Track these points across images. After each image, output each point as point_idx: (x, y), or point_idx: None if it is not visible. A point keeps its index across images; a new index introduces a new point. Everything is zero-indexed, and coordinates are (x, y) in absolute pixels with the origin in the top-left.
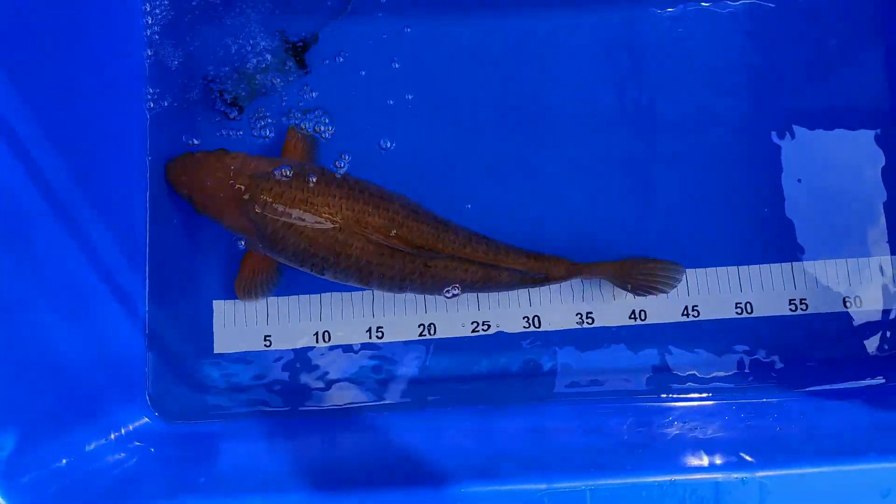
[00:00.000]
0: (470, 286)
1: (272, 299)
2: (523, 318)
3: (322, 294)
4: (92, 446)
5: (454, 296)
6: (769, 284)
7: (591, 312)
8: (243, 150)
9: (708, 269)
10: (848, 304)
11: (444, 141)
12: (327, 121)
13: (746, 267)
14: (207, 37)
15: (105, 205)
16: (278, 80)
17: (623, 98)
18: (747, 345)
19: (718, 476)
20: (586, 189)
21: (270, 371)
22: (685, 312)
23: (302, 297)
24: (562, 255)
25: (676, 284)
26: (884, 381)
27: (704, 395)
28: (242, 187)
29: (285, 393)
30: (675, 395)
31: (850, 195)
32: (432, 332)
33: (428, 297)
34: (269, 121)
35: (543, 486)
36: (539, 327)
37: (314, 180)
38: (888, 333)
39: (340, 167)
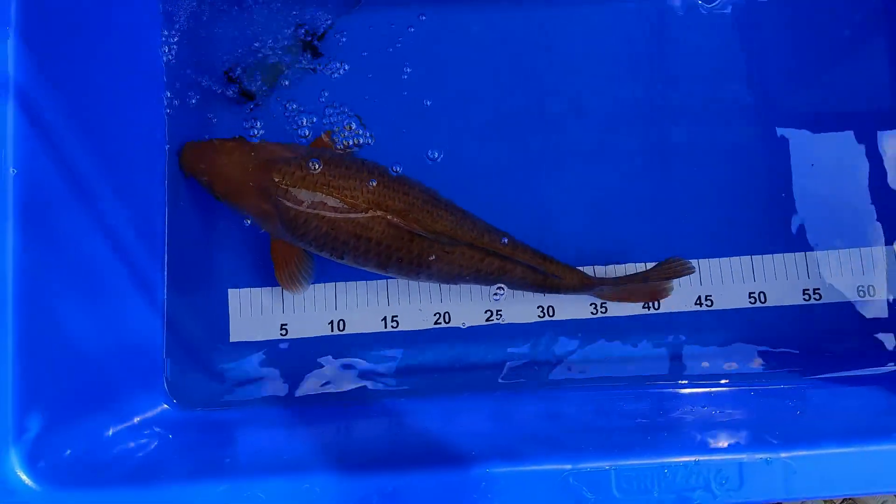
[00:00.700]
0: (484, 277)
1: None
2: (537, 307)
3: (337, 283)
4: (111, 432)
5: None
6: (783, 274)
7: (604, 302)
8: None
9: (721, 259)
10: (861, 294)
11: (452, 133)
12: (347, 115)
13: (760, 257)
14: (225, 28)
15: (125, 195)
16: (293, 70)
17: (636, 90)
18: (761, 334)
19: (743, 457)
20: (599, 180)
21: (287, 359)
22: (698, 302)
23: (317, 286)
24: (574, 245)
25: (686, 272)
26: None
27: (722, 381)
28: (263, 172)
29: (301, 380)
30: (690, 382)
31: (863, 185)
32: (447, 320)
33: (443, 286)
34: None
35: (569, 467)
36: (553, 316)
37: (325, 163)
38: None
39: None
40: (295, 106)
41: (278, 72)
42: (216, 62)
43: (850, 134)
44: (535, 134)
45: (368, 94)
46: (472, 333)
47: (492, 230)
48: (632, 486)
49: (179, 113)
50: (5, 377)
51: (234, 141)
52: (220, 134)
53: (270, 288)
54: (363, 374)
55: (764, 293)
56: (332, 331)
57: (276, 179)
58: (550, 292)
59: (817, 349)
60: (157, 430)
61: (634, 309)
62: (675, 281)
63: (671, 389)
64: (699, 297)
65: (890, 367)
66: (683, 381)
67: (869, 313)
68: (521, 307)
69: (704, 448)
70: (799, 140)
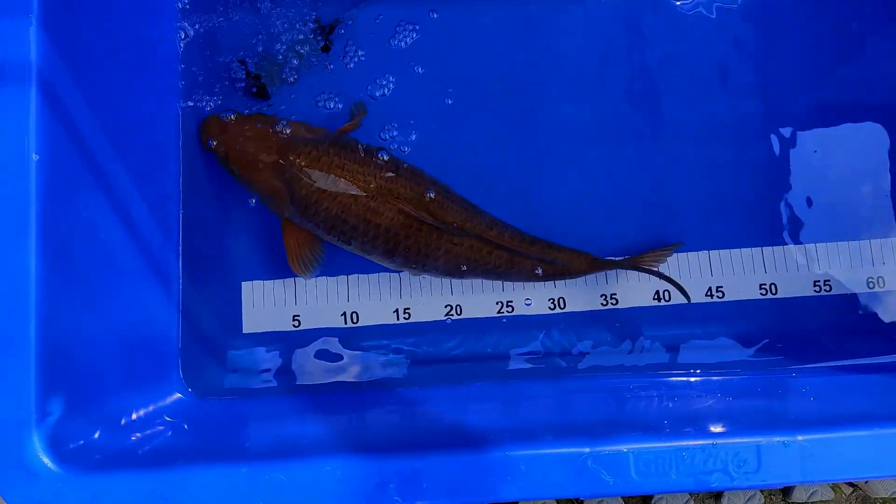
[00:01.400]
0: (494, 270)
1: (300, 280)
2: (549, 299)
3: (349, 276)
4: (128, 419)
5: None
6: (794, 266)
7: (615, 294)
8: None
9: (733, 251)
10: (871, 286)
11: (463, 126)
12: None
13: (771, 248)
14: (241, 20)
15: (142, 188)
16: (303, 64)
17: (646, 82)
18: (773, 325)
19: (760, 440)
20: (607, 173)
21: (299, 350)
22: (709, 293)
23: (330, 278)
24: (584, 244)
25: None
26: None
27: (735, 370)
28: (279, 149)
29: (314, 371)
30: (704, 371)
31: (873, 176)
32: (458, 312)
33: (454, 279)
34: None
35: (587, 450)
36: (564, 308)
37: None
38: None
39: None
40: (303, 99)
41: (290, 66)
42: (232, 54)
43: (860, 125)
44: (544, 127)
45: (373, 89)
46: (484, 325)
47: (500, 224)
48: (650, 469)
49: (195, 105)
50: (27, 363)
51: (251, 116)
52: None
53: (283, 280)
54: (376, 365)
55: (775, 284)
56: (345, 323)
57: (292, 158)
58: (564, 279)
59: (829, 338)
60: (173, 418)
61: (645, 300)
62: (687, 273)
63: (683, 378)
64: (710, 289)
65: None
66: (696, 371)
67: (879, 303)
68: (532, 299)
69: (721, 432)
70: (809, 132)
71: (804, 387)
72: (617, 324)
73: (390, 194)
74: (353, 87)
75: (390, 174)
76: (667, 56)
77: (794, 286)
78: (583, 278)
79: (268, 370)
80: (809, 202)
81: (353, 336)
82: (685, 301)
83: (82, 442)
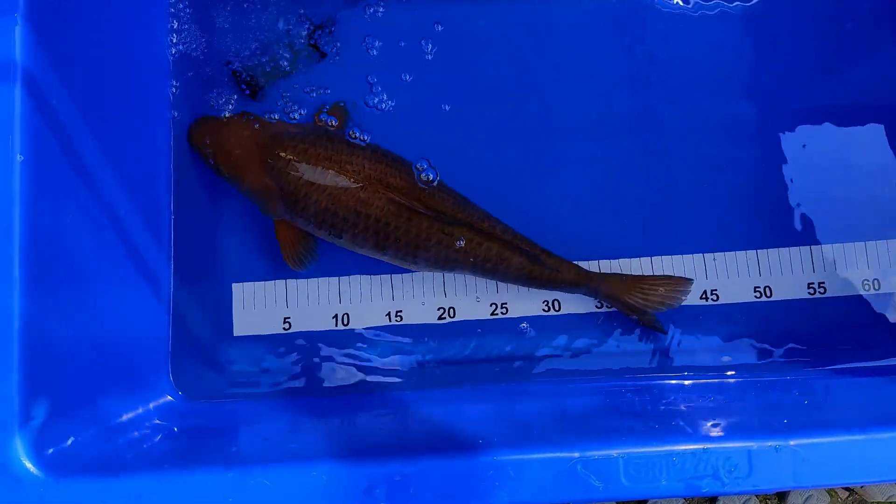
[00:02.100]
0: (482, 264)
1: (291, 282)
2: (543, 301)
3: (341, 277)
4: (116, 422)
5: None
6: (788, 268)
7: None
8: None
9: (727, 254)
10: (866, 288)
11: (459, 127)
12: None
13: (766, 251)
14: (231, 21)
15: (131, 189)
16: (295, 64)
17: (641, 86)
18: (767, 327)
19: (752, 444)
20: (603, 174)
21: (290, 352)
22: (704, 296)
23: (321, 280)
24: (578, 239)
25: (683, 298)
26: None
27: (728, 373)
28: (266, 146)
29: (305, 374)
30: (697, 374)
31: (867, 179)
32: (452, 314)
33: (447, 280)
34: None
35: (577, 455)
36: (559, 311)
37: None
38: None
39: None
40: (296, 100)
41: (281, 68)
42: (221, 55)
43: (856, 128)
44: (539, 128)
45: (368, 89)
46: (477, 327)
47: (491, 217)
48: (640, 474)
49: (184, 105)
50: (10, 366)
51: (237, 115)
52: None
53: (274, 282)
54: (367, 368)
55: (770, 287)
56: (337, 325)
57: (279, 153)
58: (549, 287)
59: (823, 342)
60: (162, 421)
61: None
62: (682, 274)
63: (677, 381)
64: (705, 292)
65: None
66: (689, 374)
67: (873, 306)
68: (526, 301)
69: (712, 436)
70: (804, 134)
71: (797, 389)
72: (611, 326)
73: (380, 184)
74: (345, 90)
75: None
76: (665, 62)
77: (788, 289)
78: None
79: (258, 373)
80: (804, 205)
81: (345, 338)
82: (661, 332)
83: (67, 446)
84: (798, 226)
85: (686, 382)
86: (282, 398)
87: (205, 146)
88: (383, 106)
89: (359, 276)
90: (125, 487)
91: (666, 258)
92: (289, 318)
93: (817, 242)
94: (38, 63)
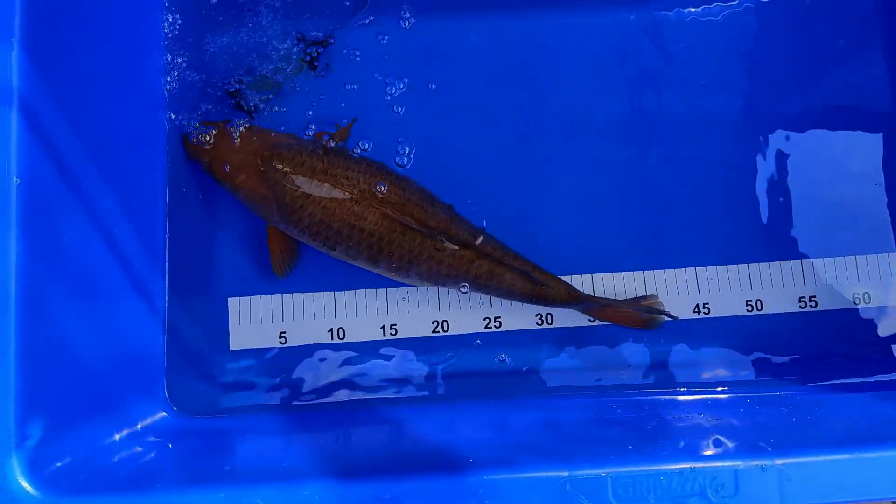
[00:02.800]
0: (473, 280)
1: (287, 296)
2: (536, 315)
3: (336, 292)
4: (112, 439)
5: (466, 292)
6: (779, 282)
7: None
8: None
9: (719, 267)
10: (857, 301)
11: (453, 141)
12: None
13: (757, 265)
14: (226, 39)
15: (127, 205)
16: (292, 80)
17: (631, 100)
18: (758, 341)
19: (739, 464)
20: (594, 187)
21: (286, 367)
22: (696, 310)
23: (317, 294)
24: (569, 252)
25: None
26: None
27: (718, 388)
28: (264, 155)
29: (301, 389)
30: (688, 390)
31: (858, 193)
32: (445, 328)
33: (441, 294)
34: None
35: (565, 474)
36: (551, 324)
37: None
38: None
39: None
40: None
41: (276, 84)
42: (217, 72)
43: (847, 142)
44: (530, 141)
45: (364, 104)
46: (470, 341)
47: (483, 233)
48: (628, 494)
49: (180, 122)
50: (7, 384)
51: (238, 126)
52: None
53: (270, 296)
54: (362, 382)
55: (761, 301)
56: (332, 339)
57: (276, 163)
58: (539, 303)
59: (813, 356)
60: (158, 437)
61: None
62: (674, 289)
63: (668, 397)
64: (697, 305)
65: (890, 376)
66: (681, 389)
67: (864, 319)
68: (519, 315)
69: (700, 455)
70: (794, 147)
71: (786, 406)
72: (602, 341)
73: (374, 198)
74: (341, 103)
75: (379, 182)
76: (655, 75)
77: (780, 302)
78: None
79: (254, 387)
80: (795, 219)
81: (340, 352)
82: (670, 318)
83: (64, 464)
84: (789, 239)
85: (678, 398)
86: (277, 413)
87: (203, 155)
88: (379, 117)
89: (354, 290)
90: None
91: (658, 272)
92: (285, 332)
93: (808, 256)
94: (33, 86)
